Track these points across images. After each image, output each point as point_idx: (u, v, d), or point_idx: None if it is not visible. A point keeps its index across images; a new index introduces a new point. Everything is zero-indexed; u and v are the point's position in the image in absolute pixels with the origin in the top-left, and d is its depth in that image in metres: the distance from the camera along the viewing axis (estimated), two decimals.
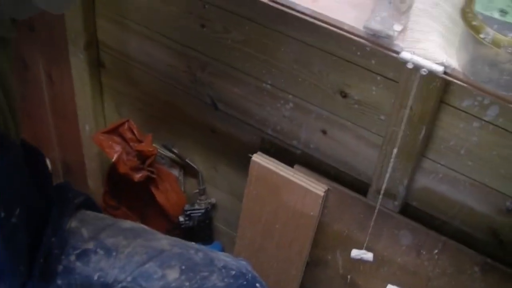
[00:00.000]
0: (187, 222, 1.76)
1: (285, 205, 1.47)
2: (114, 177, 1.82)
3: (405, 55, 0.88)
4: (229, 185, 1.72)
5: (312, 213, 1.43)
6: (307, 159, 1.47)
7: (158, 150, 1.73)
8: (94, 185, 2.03)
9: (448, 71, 0.86)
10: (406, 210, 1.37)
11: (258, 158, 1.48)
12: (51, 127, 2.08)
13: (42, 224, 1.00)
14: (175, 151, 1.74)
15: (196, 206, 1.78)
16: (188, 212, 1.76)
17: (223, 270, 1.04)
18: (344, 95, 1.31)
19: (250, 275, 1.08)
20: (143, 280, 0.98)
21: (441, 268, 1.34)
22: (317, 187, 1.41)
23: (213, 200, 1.79)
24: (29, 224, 0.93)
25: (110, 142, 1.68)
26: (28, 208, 0.92)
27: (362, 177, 1.40)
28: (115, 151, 1.66)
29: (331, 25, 0.92)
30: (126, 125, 1.72)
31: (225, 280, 1.03)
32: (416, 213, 1.36)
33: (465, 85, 0.86)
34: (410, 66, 0.88)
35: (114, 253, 1.00)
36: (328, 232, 1.48)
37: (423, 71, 0.87)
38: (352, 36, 0.92)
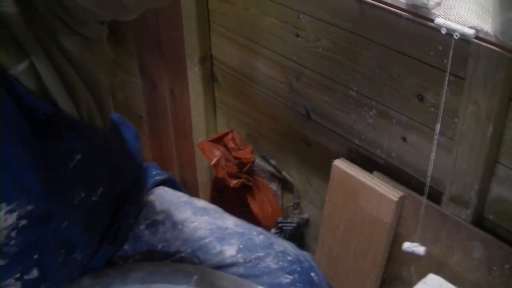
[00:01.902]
0: (279, 234, 1.80)
1: (362, 212, 1.48)
2: (218, 188, 1.92)
3: (438, 21, 0.91)
4: (321, 201, 1.75)
5: (386, 220, 1.43)
6: (388, 168, 1.48)
7: (258, 162, 1.81)
8: (204, 198, 2.13)
9: (480, 35, 0.87)
10: (481, 223, 1.33)
11: (339, 163, 1.51)
12: (172, 144, 2.24)
13: (124, 198, 1.09)
14: (273, 163, 1.81)
15: (289, 220, 1.82)
16: (281, 225, 1.81)
17: (280, 254, 1.06)
18: (421, 98, 1.32)
19: (307, 264, 1.08)
20: (201, 253, 1.03)
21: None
22: (392, 193, 1.41)
23: (306, 216, 1.82)
24: (110, 200, 1.00)
25: (211, 148, 1.79)
26: (111, 187, 0.98)
27: (437, 185, 1.38)
28: (215, 156, 1.77)
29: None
30: (230, 135, 1.83)
31: (280, 263, 1.04)
32: (491, 225, 1.32)
33: (496, 48, 0.87)
34: (443, 31, 0.91)
35: (180, 226, 1.07)
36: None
37: (456, 35, 0.89)
38: (394, 9, 0.97)
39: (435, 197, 1.38)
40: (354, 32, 1.40)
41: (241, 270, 1.00)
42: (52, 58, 0.75)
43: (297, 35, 1.55)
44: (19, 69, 0.72)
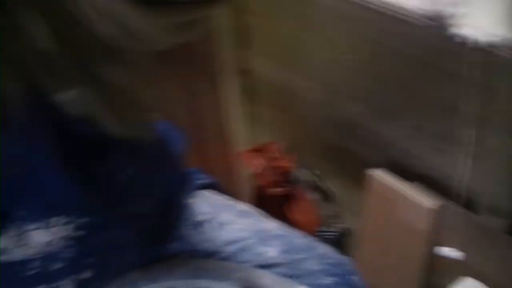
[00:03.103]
0: None
1: (400, 221, 1.51)
2: (258, 197, 1.97)
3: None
4: (361, 210, 1.78)
5: (424, 229, 1.46)
6: (425, 178, 1.51)
7: (299, 172, 1.86)
8: None
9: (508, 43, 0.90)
10: None
11: (377, 174, 1.55)
12: (212, 154, 2.29)
13: (171, 201, 1.14)
14: (314, 173, 1.85)
15: (329, 230, 1.85)
16: (321, 235, 1.84)
17: (321, 257, 1.08)
18: (455, 109, 1.35)
19: (348, 267, 1.10)
20: (244, 253, 1.06)
21: None
22: (429, 202, 1.44)
23: (346, 225, 1.85)
24: (159, 206, 1.04)
25: (253, 157, 1.84)
26: (161, 193, 1.03)
27: (474, 194, 1.41)
28: (256, 165, 1.82)
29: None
30: (271, 145, 1.88)
31: (321, 265, 1.05)
32: None
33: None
34: (471, 41, 0.94)
35: (224, 227, 1.10)
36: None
37: (483, 44, 0.93)
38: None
39: (472, 206, 1.41)
40: (386, 45, 1.44)
41: (282, 270, 1.03)
42: (97, 85, 0.80)
43: (332, 48, 1.59)
44: (65, 96, 0.77)
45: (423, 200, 1.46)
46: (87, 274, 0.90)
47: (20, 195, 0.76)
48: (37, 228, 0.78)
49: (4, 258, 0.80)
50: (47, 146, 0.74)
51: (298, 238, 1.10)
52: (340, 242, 1.87)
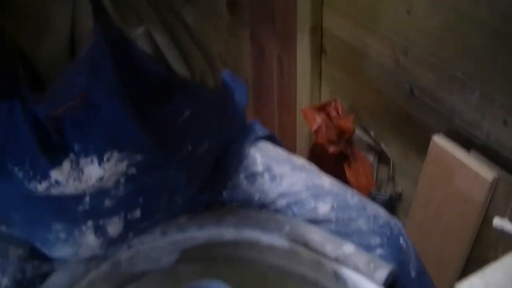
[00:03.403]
0: None
1: (455, 189, 1.50)
2: (315, 154, 1.98)
3: None
4: (416, 176, 1.77)
5: (479, 199, 1.44)
6: (485, 149, 1.49)
7: (357, 132, 1.85)
8: None
9: None
10: None
11: (438, 139, 1.53)
12: (275, 109, 2.30)
13: (227, 149, 1.16)
14: (372, 135, 1.84)
15: (382, 192, 1.85)
16: (373, 196, 1.84)
17: (372, 218, 1.07)
18: None
19: (397, 230, 1.09)
20: (295, 207, 1.06)
21: None
22: (487, 173, 1.42)
23: (399, 189, 1.84)
24: (215, 152, 1.08)
25: (314, 115, 1.84)
26: (217, 141, 1.05)
27: None
28: (316, 122, 1.82)
29: None
30: (333, 104, 1.87)
31: (371, 225, 1.05)
32: None
33: None
34: None
35: (277, 180, 1.10)
36: (492, 227, 1.47)
37: None
38: None
39: None
40: (463, 12, 1.41)
41: (332, 227, 1.03)
42: (168, 26, 0.80)
43: (408, 12, 1.57)
44: (136, 33, 0.77)
45: (482, 170, 1.43)
46: (135, 214, 0.93)
47: (78, 128, 0.78)
48: (91, 163, 0.80)
49: (57, 191, 0.82)
50: (112, 82, 0.76)
51: (350, 196, 1.10)
52: (392, 206, 1.86)
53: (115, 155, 0.81)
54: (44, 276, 0.94)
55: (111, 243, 0.94)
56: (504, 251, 1.46)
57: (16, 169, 0.79)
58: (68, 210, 0.87)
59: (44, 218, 0.89)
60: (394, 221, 1.11)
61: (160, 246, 1.00)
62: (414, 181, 1.76)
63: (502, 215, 1.44)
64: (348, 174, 1.85)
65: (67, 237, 0.90)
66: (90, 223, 0.89)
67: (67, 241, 0.91)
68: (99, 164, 0.80)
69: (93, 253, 0.95)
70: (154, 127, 0.83)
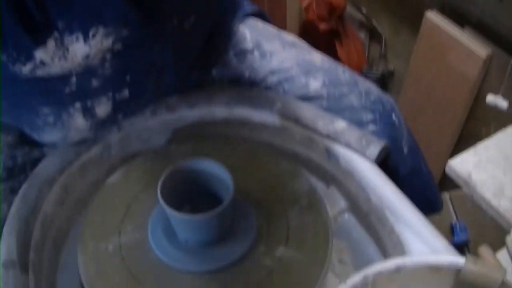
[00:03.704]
0: None
1: (448, 66, 1.48)
2: (306, 31, 1.94)
3: None
4: (408, 54, 1.75)
5: (472, 76, 1.43)
6: (479, 25, 1.46)
7: (349, 9, 1.81)
8: None
9: None
10: None
11: (431, 15, 1.50)
12: None
13: (215, 27, 1.12)
14: (364, 11, 1.80)
15: (374, 70, 1.83)
16: (365, 74, 1.83)
17: (364, 93, 1.05)
18: None
19: (389, 106, 1.07)
20: (286, 83, 1.04)
21: None
22: (481, 49, 1.40)
23: (391, 67, 1.83)
24: (202, 29, 1.03)
25: None
26: (204, 16, 1.00)
27: None
28: None
29: None
30: None
31: (362, 101, 1.04)
32: None
33: None
34: None
35: (268, 57, 1.08)
36: (485, 103, 1.47)
37: None
38: None
39: None
40: None
41: (324, 103, 1.02)
42: None
43: None
44: None
45: (476, 47, 1.41)
46: (124, 94, 0.91)
47: (61, 4, 0.75)
48: (77, 40, 0.78)
49: (42, 72, 0.80)
50: None
51: (342, 72, 1.08)
52: (383, 83, 1.86)
53: (101, 30, 0.79)
54: (35, 162, 0.94)
55: (101, 125, 0.93)
56: (496, 128, 1.47)
57: None
58: (55, 92, 0.85)
59: (31, 102, 0.87)
60: (386, 97, 1.09)
61: (150, 127, 0.99)
62: (407, 58, 1.74)
63: (495, 92, 1.43)
64: (340, 51, 1.83)
65: (55, 121, 0.89)
66: (78, 104, 0.87)
67: (56, 125, 0.90)
68: (85, 41, 0.78)
69: (83, 136, 0.94)
70: (138, 0, 0.80)
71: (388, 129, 1.03)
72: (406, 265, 0.62)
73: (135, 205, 0.86)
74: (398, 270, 0.61)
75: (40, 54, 0.77)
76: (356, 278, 0.60)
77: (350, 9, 1.84)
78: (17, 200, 0.85)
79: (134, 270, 0.77)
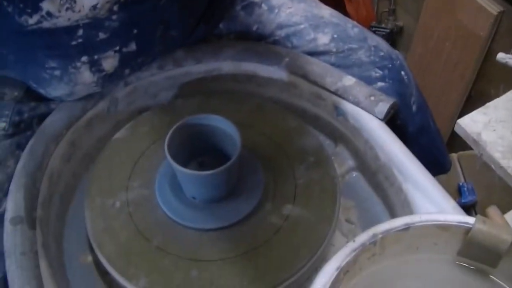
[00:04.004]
0: None
1: (458, 23, 1.46)
2: None
3: None
4: (417, 10, 1.72)
5: (482, 34, 1.41)
6: None
7: None
8: None
9: None
10: None
11: None
12: None
13: None
14: None
15: (383, 26, 1.81)
16: (374, 29, 1.81)
17: (373, 49, 1.04)
18: None
19: (398, 62, 1.06)
20: (295, 38, 1.03)
21: None
22: (492, 6, 1.38)
23: (400, 23, 1.80)
24: None
25: None
26: None
27: None
28: None
29: None
30: None
31: (371, 57, 1.03)
32: None
33: None
34: None
35: (276, 10, 1.07)
36: (495, 62, 1.45)
37: None
38: None
39: None
40: None
41: (332, 59, 1.01)
42: None
43: None
44: None
45: (486, 3, 1.39)
46: (131, 47, 0.90)
47: None
48: None
49: (49, 23, 0.79)
50: None
51: (351, 27, 1.06)
52: (392, 40, 1.83)
53: None
54: (42, 117, 0.93)
55: (108, 80, 0.92)
56: (506, 88, 1.45)
57: (5, 3, 0.75)
58: (61, 44, 0.84)
59: (37, 55, 0.86)
60: (395, 53, 1.08)
61: (157, 81, 0.99)
62: (416, 14, 1.72)
63: (506, 50, 1.41)
64: (348, 6, 1.80)
65: (62, 75, 0.88)
66: (84, 58, 0.86)
67: (62, 79, 0.89)
68: None
69: (90, 91, 0.93)
70: None
71: (397, 86, 1.02)
72: (415, 223, 0.61)
73: (142, 161, 0.86)
74: (406, 228, 0.61)
75: (46, 4, 0.76)
76: (365, 236, 0.60)
77: None
78: (24, 156, 0.84)
79: (141, 226, 0.77)
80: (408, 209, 0.80)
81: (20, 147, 0.90)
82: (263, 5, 1.07)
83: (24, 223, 0.76)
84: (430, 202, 0.78)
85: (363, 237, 0.60)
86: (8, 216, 0.77)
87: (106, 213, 0.79)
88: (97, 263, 0.80)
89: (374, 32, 1.80)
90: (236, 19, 1.07)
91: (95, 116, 0.94)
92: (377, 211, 0.89)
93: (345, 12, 1.80)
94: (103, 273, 0.79)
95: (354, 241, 0.59)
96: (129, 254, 0.74)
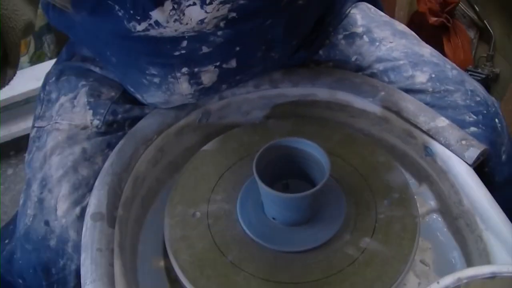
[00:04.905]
0: None
1: None
2: (415, 23, 1.90)
3: None
4: None
5: None
6: None
7: (461, 5, 1.76)
8: None
9: None
10: None
11: None
12: None
13: (327, 7, 1.09)
14: (477, 9, 1.74)
15: (479, 71, 1.78)
16: (469, 73, 1.77)
17: (469, 93, 1.02)
18: None
19: (494, 109, 1.03)
20: (392, 73, 1.03)
21: None
22: None
23: (497, 70, 1.76)
24: (315, 6, 1.01)
25: None
26: None
27: None
28: None
29: None
30: None
31: (467, 101, 1.00)
32: None
33: None
34: None
35: (377, 43, 1.06)
36: None
37: None
38: None
39: None
40: None
41: (428, 98, 0.99)
42: None
43: None
44: None
45: None
46: (231, 64, 0.91)
47: None
48: (194, 4, 0.78)
49: (156, 32, 0.81)
50: None
51: (450, 69, 1.05)
52: (487, 85, 1.79)
53: None
54: (135, 120, 0.95)
55: (204, 93, 0.94)
56: None
57: (116, 7, 0.78)
58: (165, 53, 0.86)
59: (140, 61, 0.89)
60: (492, 99, 1.05)
61: (251, 99, 1.00)
62: None
63: None
64: (446, 48, 1.78)
65: (161, 83, 0.90)
66: (185, 69, 0.88)
67: (161, 87, 0.91)
68: (201, 6, 0.78)
69: (184, 102, 0.95)
70: None
71: (490, 133, 0.99)
72: (502, 273, 0.60)
73: (227, 176, 0.86)
74: (492, 277, 0.60)
75: (156, 14, 0.78)
76: (450, 279, 0.59)
77: (462, 6, 1.78)
78: (112, 155, 0.87)
79: (218, 239, 0.78)
80: (485, 258, 0.78)
81: (110, 146, 0.92)
82: (364, 36, 1.06)
83: (104, 220, 0.77)
84: (510, 255, 0.75)
85: (447, 280, 0.59)
86: (89, 211, 0.79)
87: (186, 222, 0.80)
88: (169, 270, 0.81)
89: (470, 76, 1.76)
90: (336, 48, 1.07)
91: (186, 125, 0.96)
92: (454, 256, 0.87)
93: (442, 52, 1.78)
94: (173, 280, 0.81)
95: (438, 283, 0.58)
96: (202, 265, 0.75)
